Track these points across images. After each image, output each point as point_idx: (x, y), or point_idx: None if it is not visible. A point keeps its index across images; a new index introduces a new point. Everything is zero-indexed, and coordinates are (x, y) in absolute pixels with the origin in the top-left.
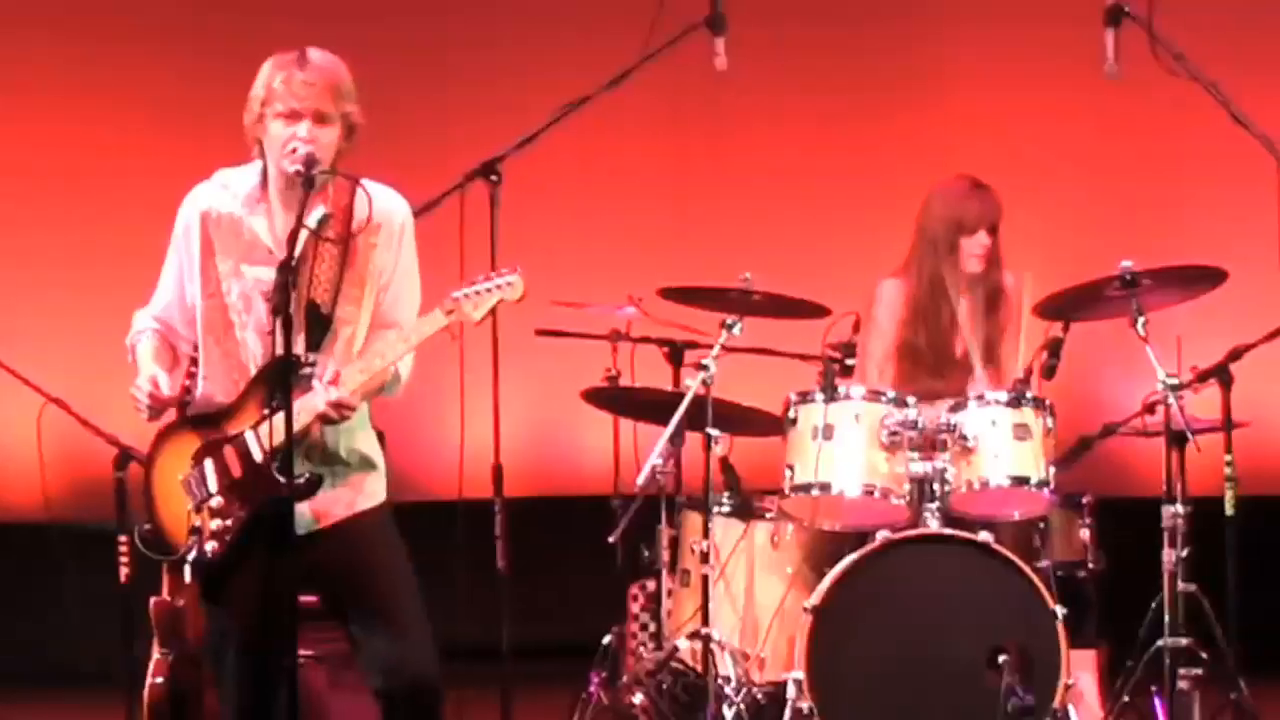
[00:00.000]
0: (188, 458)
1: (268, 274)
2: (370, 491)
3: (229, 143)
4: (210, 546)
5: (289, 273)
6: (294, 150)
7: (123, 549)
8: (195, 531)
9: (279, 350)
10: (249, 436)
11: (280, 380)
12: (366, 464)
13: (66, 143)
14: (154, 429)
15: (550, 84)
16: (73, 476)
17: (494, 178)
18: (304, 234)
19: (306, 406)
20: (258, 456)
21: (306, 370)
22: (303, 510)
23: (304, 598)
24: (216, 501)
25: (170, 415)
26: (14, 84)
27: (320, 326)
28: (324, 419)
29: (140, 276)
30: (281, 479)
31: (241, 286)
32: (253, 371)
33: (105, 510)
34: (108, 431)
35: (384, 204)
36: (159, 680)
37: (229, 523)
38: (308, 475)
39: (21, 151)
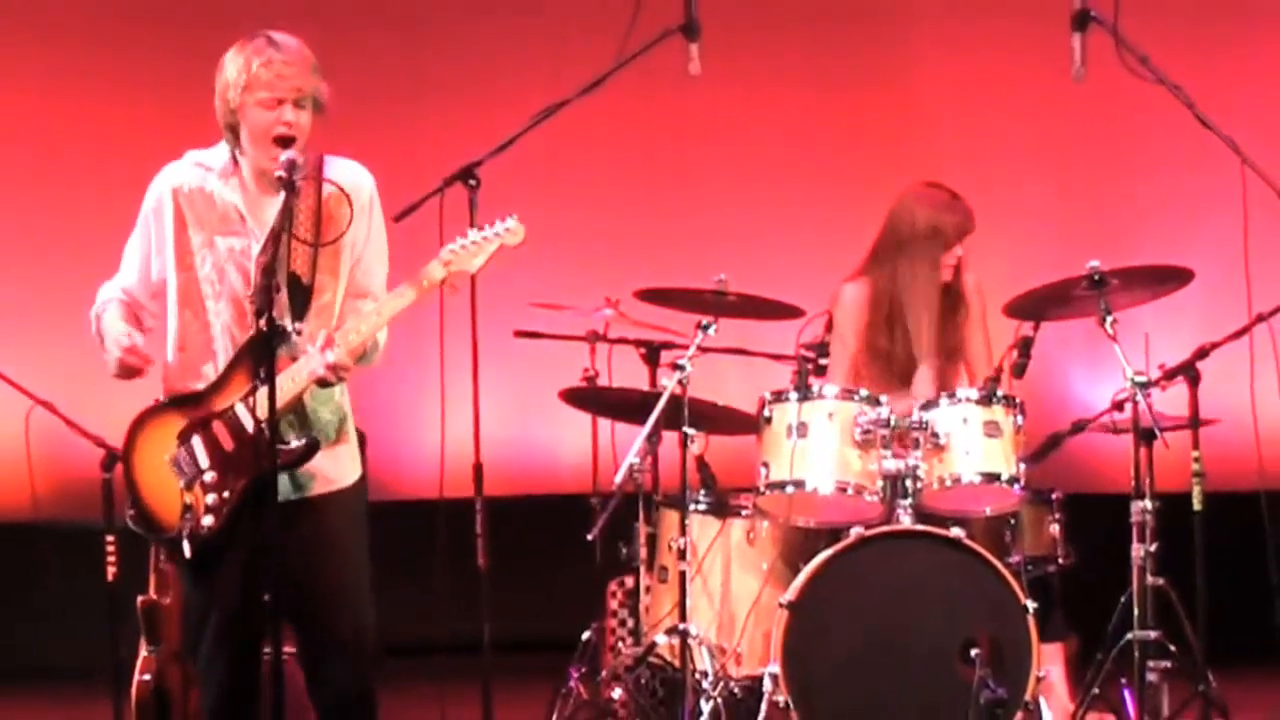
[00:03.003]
0: (171, 438)
1: (240, 243)
2: (346, 467)
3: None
4: (207, 521)
5: (270, 275)
6: (279, 137)
7: (110, 548)
8: (188, 509)
9: (266, 347)
10: (239, 409)
11: (256, 353)
12: (342, 436)
13: (51, 147)
14: None
15: (526, 90)
16: (60, 477)
17: (472, 182)
18: (279, 209)
19: (303, 371)
20: (250, 428)
21: (294, 340)
22: (283, 479)
23: None
24: (210, 476)
25: (147, 401)
26: None
27: (302, 295)
28: (321, 382)
29: None
30: (284, 446)
31: (215, 258)
32: (227, 341)
33: (92, 510)
34: (94, 433)
35: (351, 178)
36: (146, 678)
37: (226, 495)
38: (306, 439)
39: (4, 156)
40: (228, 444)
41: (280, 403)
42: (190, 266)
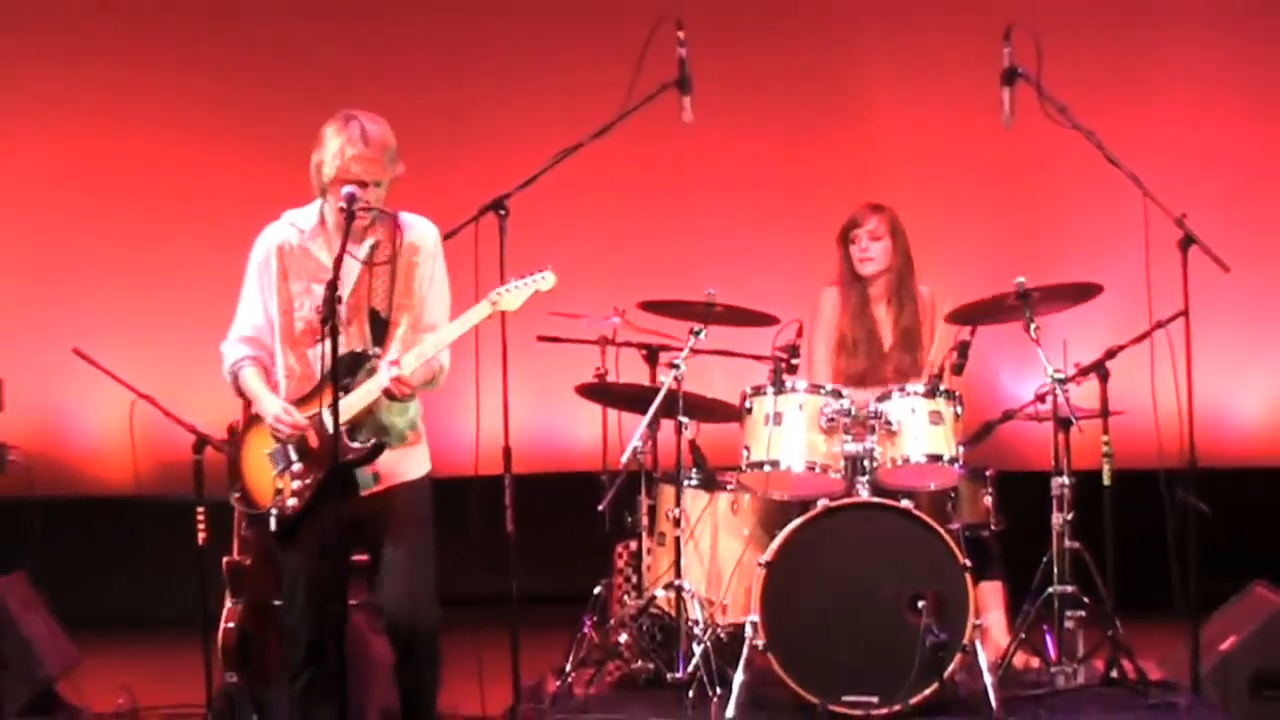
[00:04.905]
0: (271, 437)
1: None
2: (416, 463)
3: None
4: (291, 503)
5: (333, 289)
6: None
7: (200, 518)
8: (279, 492)
9: (329, 349)
10: (325, 415)
11: (342, 372)
12: (413, 438)
13: (161, 189)
14: (221, 419)
15: (546, 135)
16: (158, 459)
17: (502, 211)
18: (348, 258)
19: (375, 384)
20: (331, 430)
21: (373, 363)
22: (365, 473)
23: (356, 557)
24: (297, 467)
25: (226, 398)
26: (105, 100)
27: (380, 327)
28: (388, 394)
29: (220, 292)
30: (353, 445)
31: (313, 301)
32: (322, 369)
33: (185, 486)
34: (188, 421)
35: (421, 229)
36: (230, 626)
37: (308, 482)
38: (373, 441)
39: (114, 173)
40: (314, 442)
41: (354, 411)
42: (289, 310)
